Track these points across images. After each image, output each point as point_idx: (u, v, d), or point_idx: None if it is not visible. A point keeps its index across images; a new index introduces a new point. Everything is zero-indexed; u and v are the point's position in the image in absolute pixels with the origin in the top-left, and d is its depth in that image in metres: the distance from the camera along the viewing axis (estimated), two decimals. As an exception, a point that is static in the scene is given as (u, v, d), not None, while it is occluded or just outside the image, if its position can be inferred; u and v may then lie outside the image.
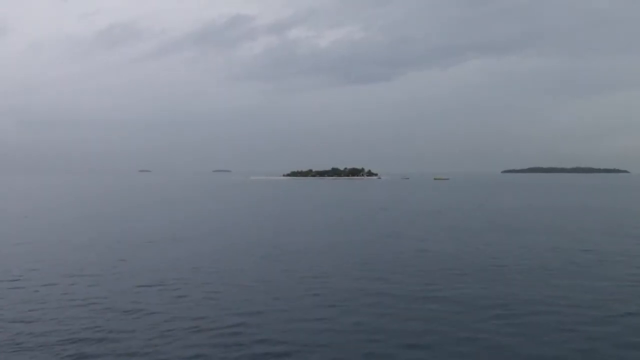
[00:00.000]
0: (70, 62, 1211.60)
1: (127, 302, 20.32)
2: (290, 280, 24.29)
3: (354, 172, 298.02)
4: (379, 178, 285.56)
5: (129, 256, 30.84)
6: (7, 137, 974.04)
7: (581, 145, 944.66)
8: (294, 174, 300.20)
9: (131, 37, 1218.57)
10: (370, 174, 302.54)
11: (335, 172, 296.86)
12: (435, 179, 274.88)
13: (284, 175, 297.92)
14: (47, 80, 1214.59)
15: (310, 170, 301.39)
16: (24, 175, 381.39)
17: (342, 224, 49.63)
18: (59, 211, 66.28)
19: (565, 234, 41.79)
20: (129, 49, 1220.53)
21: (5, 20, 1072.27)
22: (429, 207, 71.62)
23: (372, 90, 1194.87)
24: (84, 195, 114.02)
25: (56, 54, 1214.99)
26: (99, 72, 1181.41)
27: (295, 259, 29.91)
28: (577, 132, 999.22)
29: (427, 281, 23.93)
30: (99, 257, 30.62)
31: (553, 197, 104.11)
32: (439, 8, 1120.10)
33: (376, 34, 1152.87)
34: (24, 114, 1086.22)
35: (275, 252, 32.46)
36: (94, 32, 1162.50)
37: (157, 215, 60.52)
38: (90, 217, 57.29)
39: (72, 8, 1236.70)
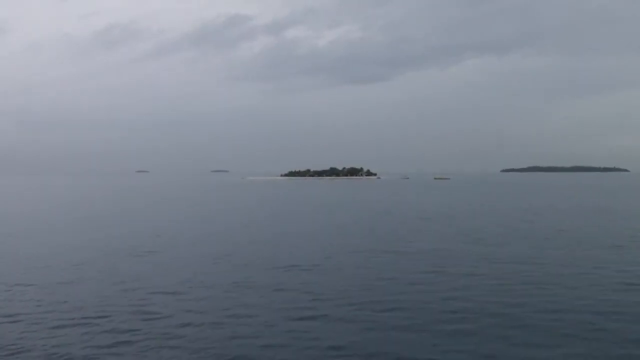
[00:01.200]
0: (69, 63, 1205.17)
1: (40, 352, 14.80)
2: (265, 316, 18.15)
3: (353, 172, 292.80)
4: (379, 178, 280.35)
5: (75, 276, 25.19)
6: (7, 137, 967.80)
7: (580, 144, 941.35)
8: (292, 173, 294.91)
9: (130, 37, 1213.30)
10: (369, 173, 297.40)
11: (333, 172, 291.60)
12: (435, 178, 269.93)
13: (281, 175, 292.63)
14: (47, 81, 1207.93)
15: (309, 170, 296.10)
16: (21, 176, 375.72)
17: (339, 231, 44.12)
18: (36, 216, 61.07)
19: (600, 243, 36.51)
20: (128, 49, 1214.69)
21: (5, 20, 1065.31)
22: (436, 210, 66.29)
23: (371, 90, 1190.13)
24: (72, 197, 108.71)
25: (56, 54, 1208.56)
26: (99, 72, 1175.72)
27: (277, 282, 23.72)
28: (577, 131, 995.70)
29: (453, 329, 16.77)
30: (34, 276, 25.26)
31: (560, 197, 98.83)
32: (438, 8, 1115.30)
33: (375, 34, 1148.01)
34: (24, 115, 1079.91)
35: (254, 271, 26.45)
36: (93, 32, 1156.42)
37: (137, 220, 55.23)
38: (67, 223, 52.11)
39: (72, 8, 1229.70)
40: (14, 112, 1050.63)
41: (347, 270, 26.39)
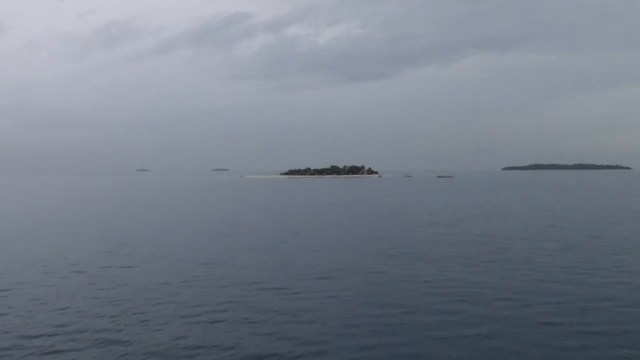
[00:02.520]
0: (68, 61, 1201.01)
1: None
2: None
3: (354, 170, 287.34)
4: (380, 176, 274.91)
5: None
6: (7, 137, 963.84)
7: (582, 141, 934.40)
8: (292, 172, 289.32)
9: (129, 36, 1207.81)
10: (370, 172, 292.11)
11: (334, 170, 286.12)
12: (439, 176, 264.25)
13: (281, 174, 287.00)
14: (46, 79, 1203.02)
15: (309, 169, 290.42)
16: (20, 176, 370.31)
17: (338, 238, 38.13)
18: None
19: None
20: (127, 47, 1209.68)
21: (3, 19, 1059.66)
22: (446, 211, 60.29)
23: (372, 88, 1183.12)
24: (60, 199, 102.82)
25: (55, 53, 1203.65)
26: (98, 70, 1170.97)
27: (247, 327, 17.04)
28: (578, 128, 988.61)
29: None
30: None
31: (569, 196, 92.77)
32: (438, 4, 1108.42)
33: (375, 31, 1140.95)
34: (23, 114, 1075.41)
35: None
36: (92, 31, 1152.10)
37: (105, 227, 49.20)
38: (31, 229, 46.23)
39: (70, 7, 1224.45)
40: (14, 111, 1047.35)
41: (346, 296, 20.41)
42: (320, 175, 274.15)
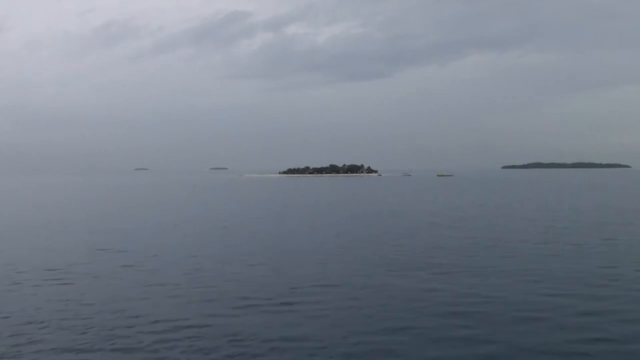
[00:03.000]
0: (67, 61, 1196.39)
1: None
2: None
3: (353, 169, 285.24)
4: (379, 175, 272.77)
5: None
6: (6, 136, 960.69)
7: (582, 140, 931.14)
8: (291, 171, 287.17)
9: (129, 35, 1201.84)
10: (370, 170, 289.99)
11: (333, 169, 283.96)
12: (439, 175, 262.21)
13: (280, 173, 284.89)
14: (45, 79, 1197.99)
15: (308, 168, 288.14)
16: (18, 176, 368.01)
17: (335, 242, 36.03)
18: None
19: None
20: (126, 46, 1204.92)
21: (3, 19, 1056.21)
22: (446, 211, 58.13)
23: (371, 87, 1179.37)
24: (50, 198, 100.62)
25: (53, 53, 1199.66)
26: (97, 70, 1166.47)
27: None
28: (578, 127, 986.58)
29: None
30: None
31: (573, 195, 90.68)
32: (438, 3, 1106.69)
33: (375, 30, 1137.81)
34: (22, 112, 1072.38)
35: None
36: (91, 30, 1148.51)
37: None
38: (13, 231, 44.12)
39: (69, 6, 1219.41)
40: (13, 111, 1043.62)
41: (343, 310, 18.29)
42: (319, 174, 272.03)
